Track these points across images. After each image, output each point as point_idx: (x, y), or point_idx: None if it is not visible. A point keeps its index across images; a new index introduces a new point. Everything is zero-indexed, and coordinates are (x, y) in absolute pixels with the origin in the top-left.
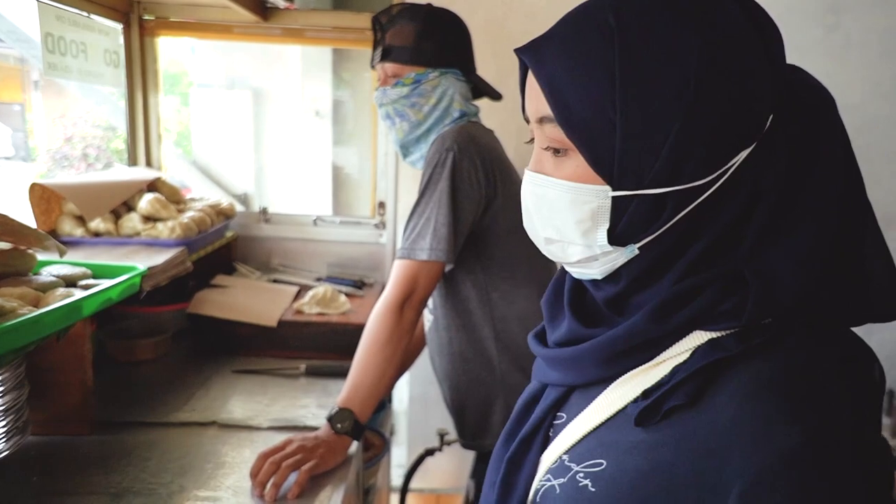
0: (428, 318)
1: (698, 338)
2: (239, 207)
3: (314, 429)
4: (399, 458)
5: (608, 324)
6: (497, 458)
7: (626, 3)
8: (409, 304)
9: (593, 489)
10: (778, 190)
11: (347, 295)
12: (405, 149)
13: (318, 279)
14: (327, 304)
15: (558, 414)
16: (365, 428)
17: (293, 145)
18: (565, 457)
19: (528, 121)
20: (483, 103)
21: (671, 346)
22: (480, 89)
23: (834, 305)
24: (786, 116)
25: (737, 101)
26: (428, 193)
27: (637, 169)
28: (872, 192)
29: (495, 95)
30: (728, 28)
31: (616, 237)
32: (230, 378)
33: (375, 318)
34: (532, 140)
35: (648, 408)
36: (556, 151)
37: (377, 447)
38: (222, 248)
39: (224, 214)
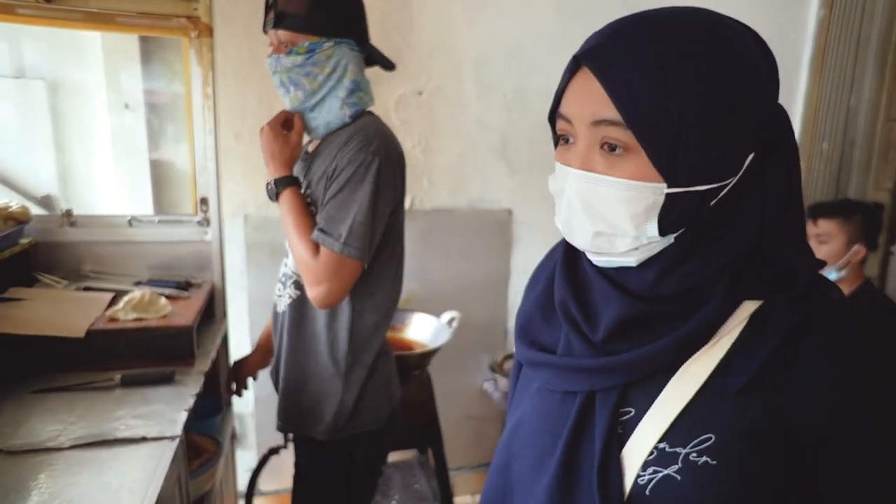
0: (293, 293)
1: (748, 308)
2: (38, 211)
3: (129, 441)
4: (250, 461)
5: (655, 300)
6: (552, 478)
7: (678, 18)
8: (325, 293)
9: (713, 462)
10: (781, 185)
11: (170, 297)
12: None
13: (138, 283)
14: (146, 309)
15: (622, 410)
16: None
17: (102, 141)
18: (663, 445)
19: (553, 121)
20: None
21: (726, 320)
22: (373, 59)
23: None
24: (778, 129)
25: (758, 111)
26: (348, 190)
27: (692, 168)
28: None
29: (389, 65)
30: (753, 51)
31: (663, 229)
32: (28, 400)
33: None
34: (562, 140)
35: (751, 375)
36: (612, 150)
37: (210, 452)
38: (16, 256)
39: (14, 219)
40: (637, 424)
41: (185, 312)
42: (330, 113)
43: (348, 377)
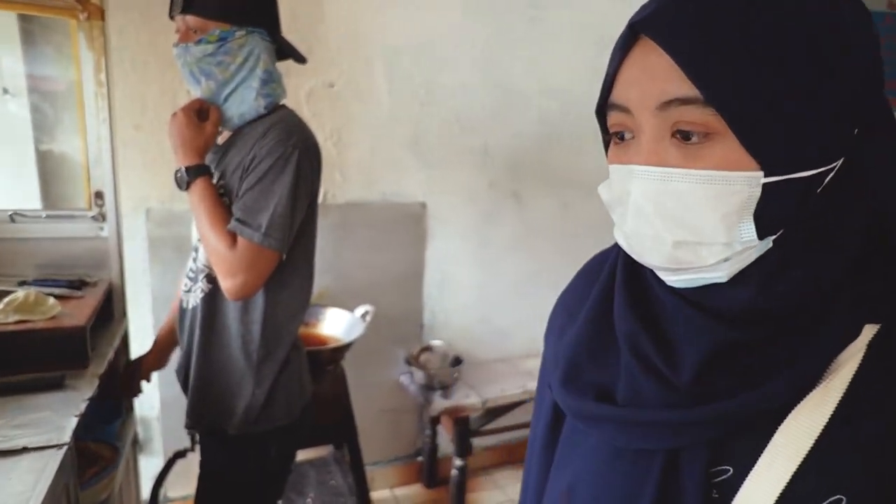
0: (205, 286)
1: (868, 331)
2: None
3: (6, 453)
4: (156, 467)
5: (756, 325)
6: None
7: None
8: (242, 283)
9: None
10: (889, 170)
11: (61, 297)
12: None
13: (23, 283)
14: (31, 310)
15: (716, 469)
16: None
17: None
18: None
19: (601, 112)
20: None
21: (838, 349)
22: (285, 50)
23: None
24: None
25: (865, 78)
26: (267, 181)
27: (793, 148)
28: (580, 163)
29: (300, 58)
30: (848, 8)
31: (762, 230)
32: None
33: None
34: (615, 138)
35: (886, 423)
36: (688, 139)
37: (106, 460)
38: None
39: None
40: (738, 487)
41: (77, 313)
42: (244, 104)
43: (260, 371)
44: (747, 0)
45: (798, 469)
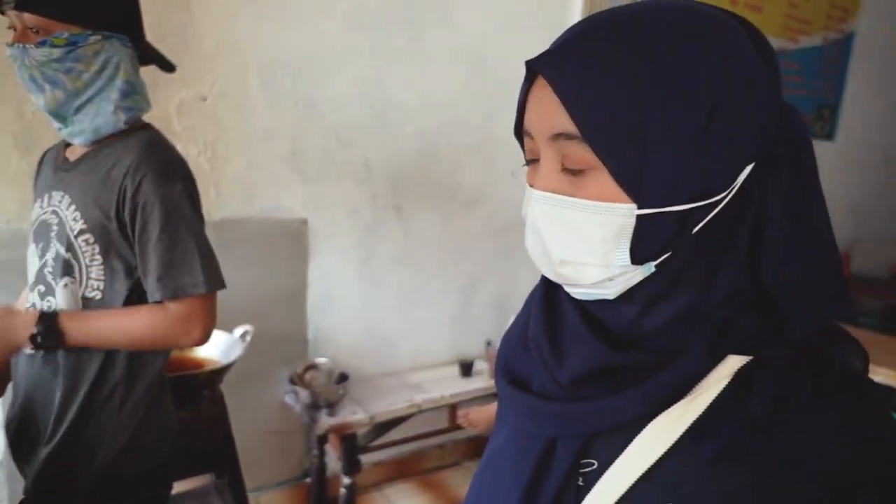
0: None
1: (734, 363)
2: None
3: None
4: None
5: (633, 347)
6: None
7: (645, 18)
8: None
9: None
10: (780, 206)
11: None
12: (61, 118)
13: None
14: None
15: (584, 461)
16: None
17: None
18: None
19: (520, 136)
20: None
21: (707, 374)
22: (150, 58)
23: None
24: (781, 139)
25: (752, 115)
26: (173, 228)
27: (662, 186)
28: (459, 177)
29: (168, 67)
30: (740, 48)
31: (637, 257)
32: None
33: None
34: (531, 161)
35: (718, 448)
36: (575, 169)
37: None
38: None
39: None
40: (598, 479)
41: None
42: (99, 117)
43: (121, 412)
44: (630, 51)
45: (643, 474)
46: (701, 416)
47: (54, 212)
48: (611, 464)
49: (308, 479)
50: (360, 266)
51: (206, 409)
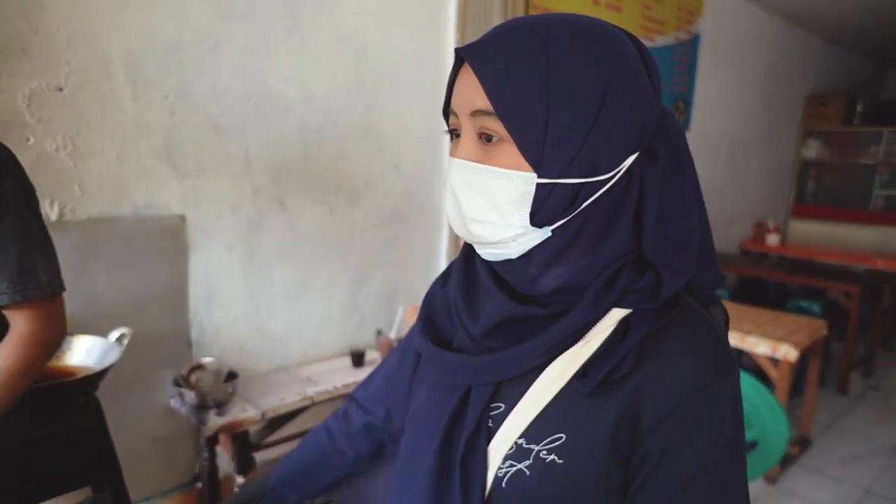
0: None
1: (617, 314)
2: None
3: None
4: None
5: (532, 303)
6: (431, 463)
7: (556, 24)
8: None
9: (560, 461)
10: (657, 190)
11: None
12: None
13: None
14: None
15: (493, 405)
16: None
17: None
18: (521, 441)
19: (446, 116)
20: None
21: (594, 325)
22: None
23: (704, 282)
24: (660, 136)
25: (633, 115)
26: (7, 223)
27: (559, 161)
28: (344, 169)
29: None
30: (629, 57)
31: (536, 220)
32: None
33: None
34: (451, 130)
35: (602, 380)
36: (488, 140)
37: None
38: None
39: None
40: (504, 420)
41: None
42: None
43: None
44: (543, 41)
45: (541, 411)
46: (588, 359)
47: None
48: (515, 405)
49: (199, 484)
50: (245, 262)
51: (81, 419)
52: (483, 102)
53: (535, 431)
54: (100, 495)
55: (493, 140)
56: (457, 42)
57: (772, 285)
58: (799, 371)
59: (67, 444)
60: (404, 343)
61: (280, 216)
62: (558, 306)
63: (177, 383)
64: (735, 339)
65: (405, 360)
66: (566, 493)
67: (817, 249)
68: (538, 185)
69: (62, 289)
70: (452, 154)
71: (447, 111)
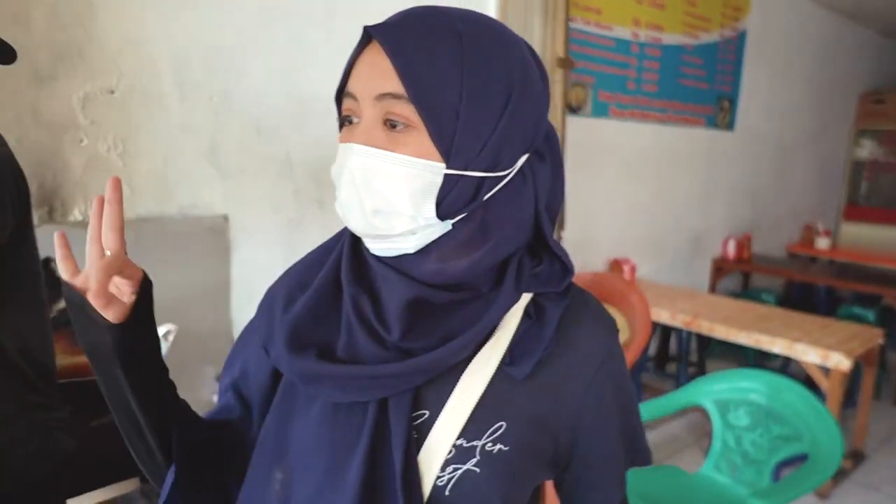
0: None
1: (523, 300)
2: None
3: None
4: None
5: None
6: (354, 496)
7: (469, 17)
8: None
9: (507, 448)
10: (547, 187)
11: None
12: None
13: None
14: None
15: (416, 413)
16: None
17: None
18: (460, 441)
19: (339, 100)
20: None
21: (505, 313)
22: None
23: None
24: (545, 140)
25: (533, 115)
26: None
27: (468, 153)
28: None
29: (5, 56)
30: (531, 60)
31: (440, 212)
32: None
33: None
34: (346, 121)
35: (534, 363)
36: (394, 127)
37: None
38: None
39: None
40: (432, 426)
41: None
42: None
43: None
44: (459, 40)
45: (475, 406)
46: (509, 346)
47: None
48: (441, 409)
49: None
50: (284, 262)
51: None
52: (393, 86)
53: (474, 427)
54: (147, 486)
55: (399, 127)
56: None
57: (821, 291)
58: (852, 381)
59: (116, 435)
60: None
61: (319, 216)
62: (467, 291)
63: (218, 379)
64: (782, 347)
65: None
66: (511, 479)
67: (871, 253)
68: (445, 175)
69: None
70: (348, 140)
71: (341, 95)
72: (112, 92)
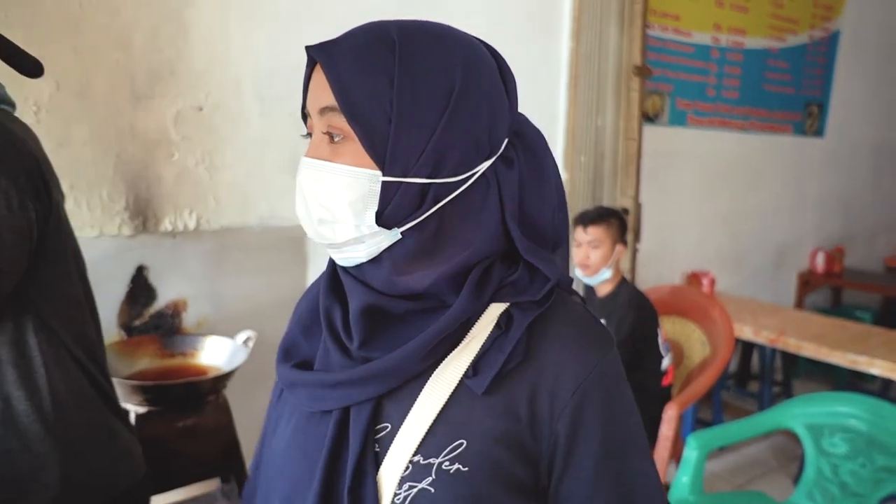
0: None
1: (496, 310)
2: None
3: None
4: None
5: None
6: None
7: (406, 26)
8: None
9: (465, 469)
10: (514, 193)
11: None
12: None
13: None
14: None
15: (378, 426)
16: None
17: None
18: (417, 458)
19: (305, 117)
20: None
21: (475, 322)
22: (3, 55)
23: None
24: (517, 143)
25: (483, 119)
26: None
27: (404, 159)
28: None
29: (28, 68)
30: (482, 64)
31: (383, 220)
32: None
33: None
34: (308, 134)
35: (496, 375)
36: (333, 139)
37: None
38: None
39: None
40: (392, 440)
41: None
42: None
43: (64, 440)
44: (390, 49)
45: (434, 420)
46: (474, 358)
47: None
48: (402, 422)
49: None
50: None
51: (212, 415)
52: (330, 99)
53: (432, 444)
54: (227, 486)
55: (337, 139)
56: (570, 52)
57: None
58: None
59: (200, 437)
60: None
61: None
62: (426, 305)
63: None
64: (882, 369)
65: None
66: (474, 501)
67: None
68: (383, 183)
69: None
70: (305, 154)
71: (304, 113)
72: (200, 109)
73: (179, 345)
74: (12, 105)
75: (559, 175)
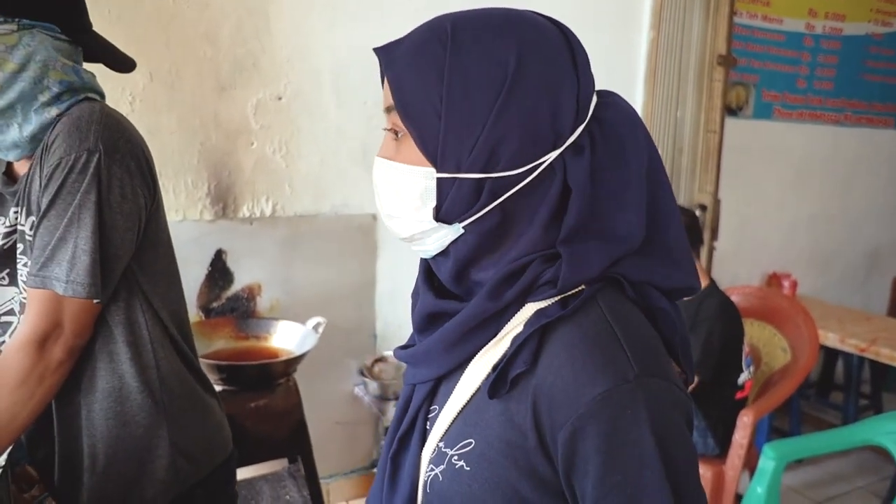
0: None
1: (529, 309)
2: None
3: None
4: None
5: (454, 297)
6: (383, 458)
7: (462, 17)
8: (53, 340)
9: (468, 469)
10: (584, 188)
11: None
12: None
13: None
14: None
15: (431, 407)
16: None
17: None
18: (441, 444)
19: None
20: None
21: (509, 320)
22: (95, 54)
23: (640, 276)
24: (595, 129)
25: (543, 109)
26: (60, 207)
27: (455, 155)
28: None
29: (121, 64)
30: (542, 48)
31: (441, 215)
32: None
33: (7, 354)
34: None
35: (496, 380)
36: (396, 136)
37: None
38: None
39: None
40: (436, 421)
41: None
42: (29, 125)
43: (169, 413)
44: (441, 43)
45: (457, 414)
46: (501, 357)
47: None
48: (444, 407)
49: (376, 470)
50: None
51: (282, 397)
52: (390, 99)
53: (452, 435)
54: (293, 466)
55: (400, 136)
56: (650, 42)
57: None
58: None
59: (270, 418)
60: None
61: None
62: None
63: (361, 373)
64: None
65: None
66: (473, 499)
67: None
68: (439, 179)
69: (82, 292)
70: None
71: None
72: (280, 98)
73: (253, 327)
74: (102, 95)
75: (657, 160)
